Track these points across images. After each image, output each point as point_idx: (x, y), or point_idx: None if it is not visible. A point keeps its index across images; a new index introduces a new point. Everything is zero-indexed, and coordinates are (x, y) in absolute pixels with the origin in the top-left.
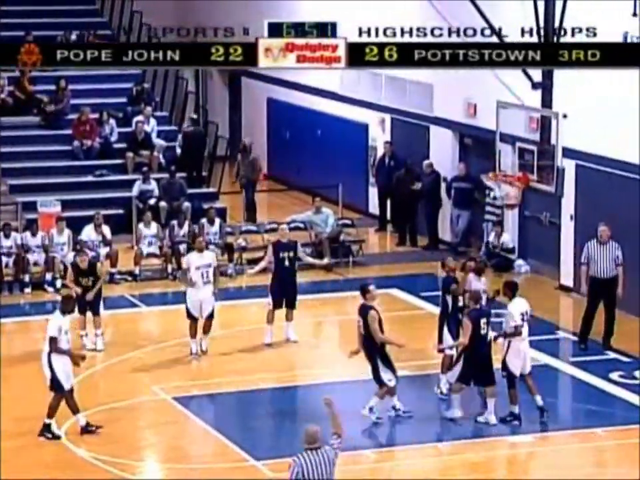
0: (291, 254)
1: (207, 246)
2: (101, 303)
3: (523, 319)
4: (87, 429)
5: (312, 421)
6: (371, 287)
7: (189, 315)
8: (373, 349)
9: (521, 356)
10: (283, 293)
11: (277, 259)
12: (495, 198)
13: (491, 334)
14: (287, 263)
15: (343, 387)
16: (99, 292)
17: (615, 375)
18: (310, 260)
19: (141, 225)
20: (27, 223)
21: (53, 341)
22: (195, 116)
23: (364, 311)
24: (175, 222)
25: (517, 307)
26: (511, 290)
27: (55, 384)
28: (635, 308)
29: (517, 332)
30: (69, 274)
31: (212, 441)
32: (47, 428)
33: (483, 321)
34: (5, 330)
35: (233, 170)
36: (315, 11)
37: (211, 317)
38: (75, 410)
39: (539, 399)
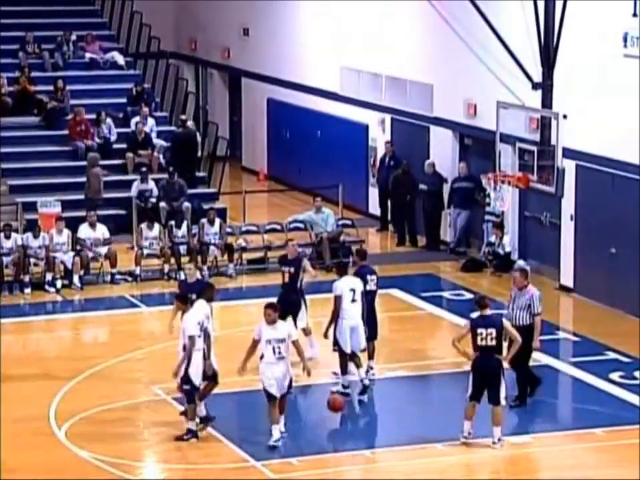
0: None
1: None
2: None
3: (353, 298)
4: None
5: (312, 421)
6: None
7: (268, 395)
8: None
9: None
10: None
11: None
12: (488, 204)
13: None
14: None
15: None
16: None
17: (615, 375)
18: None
19: (143, 225)
20: (27, 224)
21: (192, 339)
22: (184, 117)
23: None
24: (172, 222)
25: (344, 283)
26: (340, 269)
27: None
28: (635, 308)
29: (336, 306)
30: None
31: (212, 441)
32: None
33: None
34: (4, 330)
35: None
36: (314, 11)
37: (288, 393)
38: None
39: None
